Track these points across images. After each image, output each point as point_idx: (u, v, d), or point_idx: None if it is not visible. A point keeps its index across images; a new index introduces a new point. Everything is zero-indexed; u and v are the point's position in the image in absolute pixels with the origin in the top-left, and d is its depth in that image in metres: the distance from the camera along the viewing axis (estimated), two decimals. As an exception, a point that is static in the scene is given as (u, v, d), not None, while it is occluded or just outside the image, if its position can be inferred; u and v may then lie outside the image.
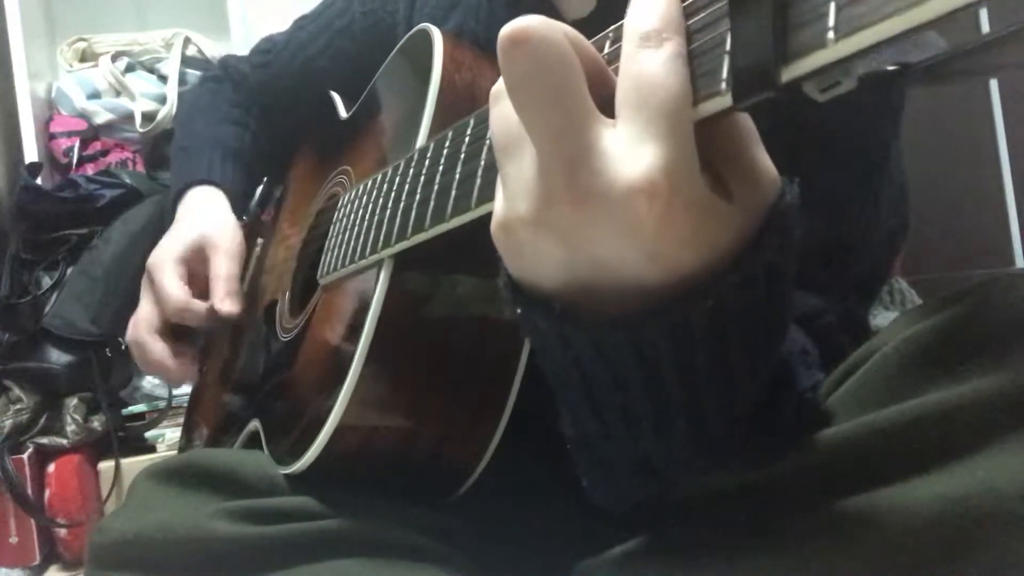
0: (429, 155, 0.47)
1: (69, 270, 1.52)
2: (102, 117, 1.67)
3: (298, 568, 0.48)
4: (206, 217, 0.77)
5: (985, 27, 0.24)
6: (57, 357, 1.47)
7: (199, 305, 0.71)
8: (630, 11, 0.30)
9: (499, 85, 0.32)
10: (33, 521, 1.42)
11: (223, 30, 1.80)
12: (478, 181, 0.39)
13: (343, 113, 0.76)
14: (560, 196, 0.28)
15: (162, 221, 1.50)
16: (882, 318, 0.84)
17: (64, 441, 1.44)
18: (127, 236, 1.52)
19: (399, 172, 0.51)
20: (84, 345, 1.48)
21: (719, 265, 0.30)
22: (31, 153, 1.60)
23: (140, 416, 1.53)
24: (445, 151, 0.45)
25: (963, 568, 0.30)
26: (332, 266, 0.59)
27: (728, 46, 0.26)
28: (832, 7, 0.23)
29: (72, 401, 1.47)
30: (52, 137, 1.67)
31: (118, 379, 1.53)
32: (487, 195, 0.38)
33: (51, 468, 1.44)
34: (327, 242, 0.62)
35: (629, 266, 0.29)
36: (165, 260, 0.73)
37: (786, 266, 0.32)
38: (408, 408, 0.53)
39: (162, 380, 0.76)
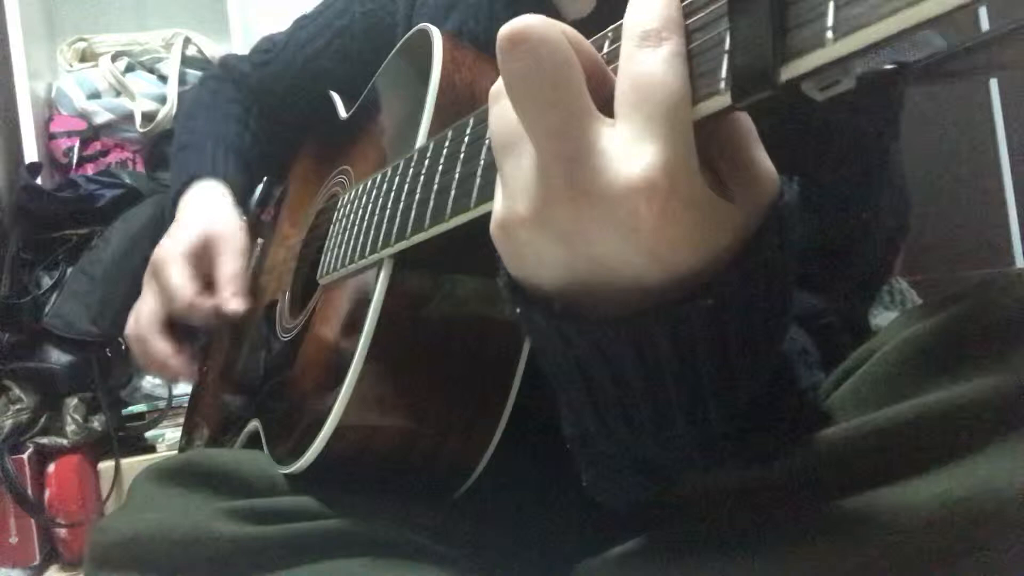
0: (429, 155, 0.47)
1: (69, 270, 1.52)
2: (102, 117, 1.67)
3: (298, 568, 0.48)
4: (211, 213, 0.76)
5: (985, 26, 0.24)
6: (57, 357, 1.47)
7: (207, 302, 0.70)
8: (629, 10, 0.30)
9: (498, 85, 0.32)
10: (33, 521, 1.43)
11: (223, 30, 1.80)
12: (478, 181, 0.39)
13: (343, 113, 0.76)
14: (559, 195, 0.28)
15: (162, 221, 1.50)
16: (882, 318, 0.84)
17: (64, 441, 1.44)
18: (127, 236, 1.52)
19: (399, 172, 0.51)
20: (84, 345, 1.48)
21: (719, 264, 0.30)
22: (31, 153, 1.60)
23: (140, 416, 1.53)
24: (445, 151, 0.45)
25: (963, 568, 0.30)
26: (332, 266, 0.59)
27: (727, 45, 0.26)
28: (831, 6, 0.23)
29: (72, 401, 1.47)
30: (52, 137, 1.67)
31: (118, 379, 1.53)
32: (487, 195, 0.38)
33: (51, 468, 1.44)
34: (327, 242, 0.62)
35: (629, 265, 0.29)
36: (173, 254, 0.72)
37: (786, 265, 0.32)
38: (408, 408, 0.53)
39: (162, 377, 0.74)
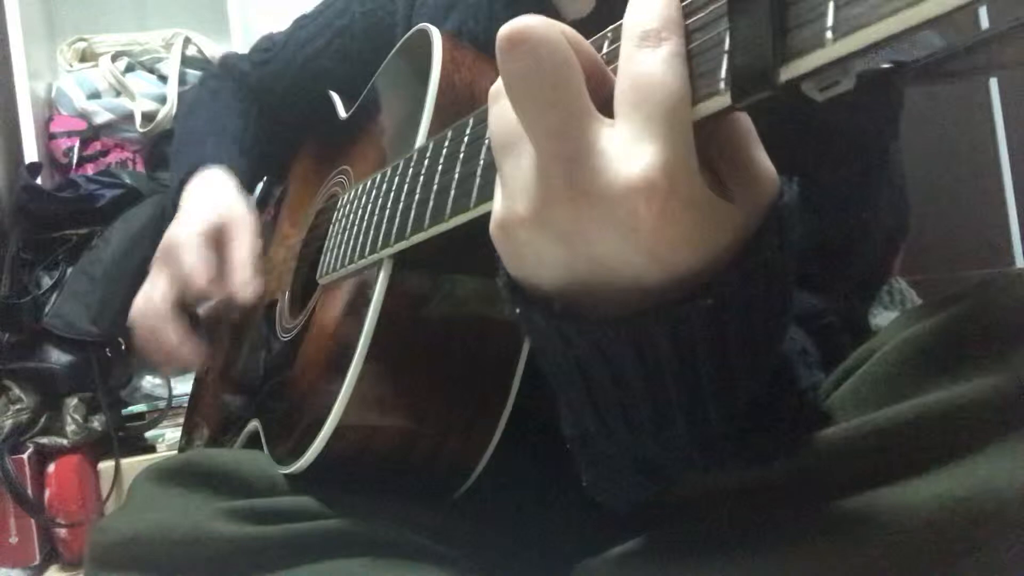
0: (428, 155, 0.47)
1: (69, 270, 1.52)
2: (102, 117, 1.67)
3: (298, 568, 0.48)
4: (219, 198, 0.73)
5: (985, 26, 0.24)
6: (57, 357, 1.47)
7: (222, 287, 0.67)
8: (629, 11, 0.30)
9: (498, 85, 0.32)
10: (33, 521, 1.43)
11: (223, 30, 1.80)
12: (477, 181, 0.39)
13: (342, 113, 0.76)
14: (559, 195, 0.28)
15: (162, 221, 1.50)
16: (882, 318, 0.84)
17: (64, 441, 1.44)
18: (127, 236, 1.52)
19: (398, 172, 0.51)
20: (84, 345, 1.48)
21: (718, 264, 0.30)
22: (31, 153, 1.60)
23: (140, 416, 1.53)
24: (444, 151, 0.45)
25: (963, 568, 0.30)
26: (332, 266, 0.59)
27: (727, 45, 0.26)
28: (831, 7, 0.23)
29: (72, 401, 1.47)
30: (52, 137, 1.67)
31: (118, 379, 1.53)
32: (486, 195, 0.38)
33: (51, 468, 1.44)
34: (327, 242, 0.62)
35: (628, 265, 0.29)
36: (188, 236, 0.69)
37: (785, 265, 0.32)
38: (408, 408, 0.53)
39: (169, 366, 0.68)
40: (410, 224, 0.47)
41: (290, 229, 0.78)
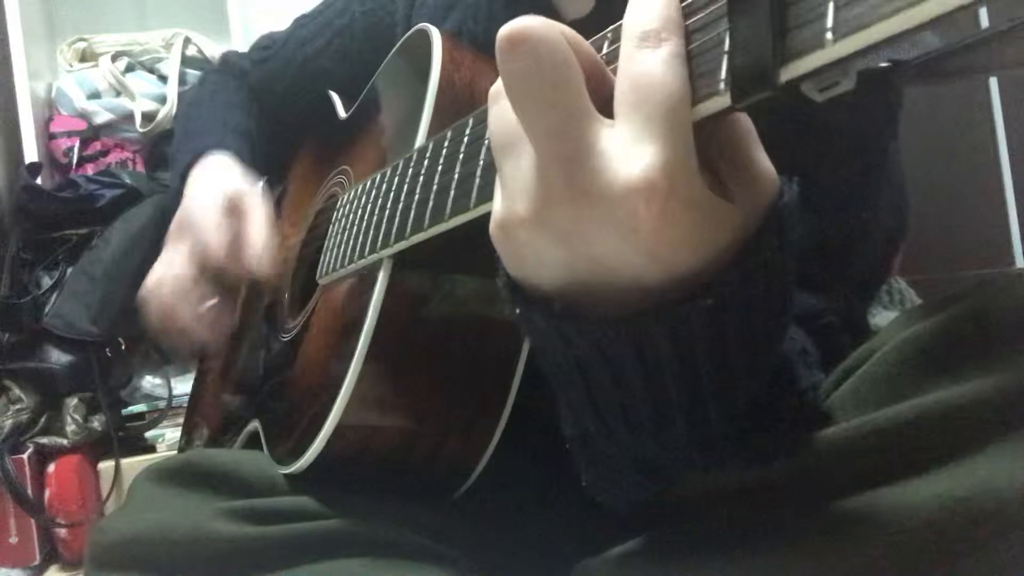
0: (428, 155, 0.47)
1: (69, 270, 1.52)
2: (102, 117, 1.67)
3: (298, 568, 0.48)
4: (229, 177, 0.71)
5: (985, 25, 0.24)
6: (57, 357, 1.47)
7: (240, 261, 0.65)
8: (628, 11, 0.30)
9: (498, 85, 0.32)
10: (33, 521, 1.43)
11: (223, 30, 1.80)
12: (477, 181, 0.39)
13: (342, 113, 0.76)
14: (558, 196, 0.28)
15: (163, 221, 1.50)
16: (882, 318, 0.84)
17: (64, 441, 1.44)
18: (127, 236, 1.52)
19: (398, 172, 0.51)
20: (84, 345, 1.48)
21: (718, 264, 0.30)
22: (31, 153, 1.60)
23: (140, 416, 1.53)
24: (444, 151, 0.45)
25: (963, 568, 0.30)
26: (331, 266, 0.59)
27: (727, 46, 0.26)
28: (831, 7, 0.23)
29: (72, 401, 1.47)
30: (52, 137, 1.67)
31: (118, 379, 1.53)
32: (486, 195, 0.38)
33: (51, 468, 1.44)
34: (326, 242, 0.62)
35: (628, 265, 0.29)
36: (206, 208, 0.67)
37: (785, 265, 0.32)
38: (407, 408, 0.53)
39: (183, 344, 0.65)
40: (410, 224, 0.47)
41: (290, 229, 0.78)
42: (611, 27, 0.32)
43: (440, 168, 0.45)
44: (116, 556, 0.50)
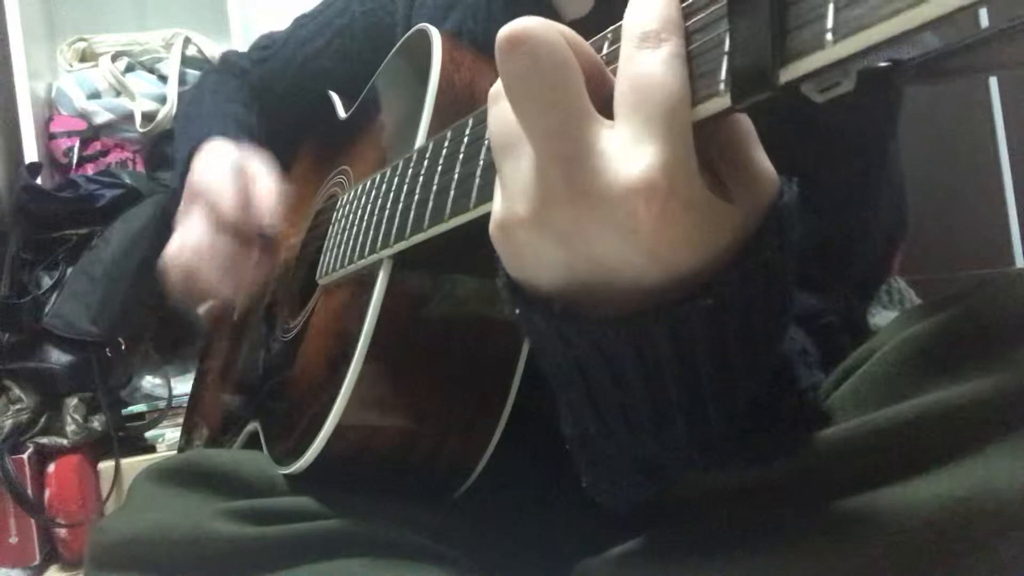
0: (428, 155, 0.47)
1: (69, 270, 1.52)
2: (102, 117, 1.67)
3: (298, 568, 0.48)
4: (233, 150, 0.72)
5: (985, 25, 0.24)
6: (57, 357, 1.47)
7: (254, 216, 0.67)
8: (629, 11, 0.30)
9: (497, 86, 0.32)
10: (33, 521, 1.42)
11: (223, 30, 1.80)
12: (477, 181, 0.39)
13: (342, 113, 0.76)
14: (558, 196, 0.28)
15: (163, 221, 1.50)
16: (881, 318, 0.84)
17: (64, 441, 1.44)
18: (127, 236, 1.52)
19: (398, 172, 0.51)
20: (84, 345, 1.48)
21: (718, 265, 0.30)
22: (31, 153, 1.60)
23: (140, 416, 1.53)
24: (444, 151, 0.45)
25: (963, 568, 0.30)
26: (331, 266, 0.59)
27: (727, 47, 0.26)
28: (831, 8, 0.23)
29: (72, 401, 1.47)
30: (52, 137, 1.67)
31: (118, 379, 1.53)
32: (486, 195, 0.38)
33: (51, 468, 1.44)
34: (326, 242, 0.62)
35: (628, 266, 0.29)
36: (216, 172, 0.68)
37: (785, 265, 0.32)
38: (407, 408, 0.53)
39: (207, 304, 0.65)
40: (410, 224, 0.47)
41: (289, 229, 0.78)
42: (611, 27, 0.32)
43: (440, 168, 0.45)
44: (116, 556, 0.50)
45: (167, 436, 1.50)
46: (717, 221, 0.29)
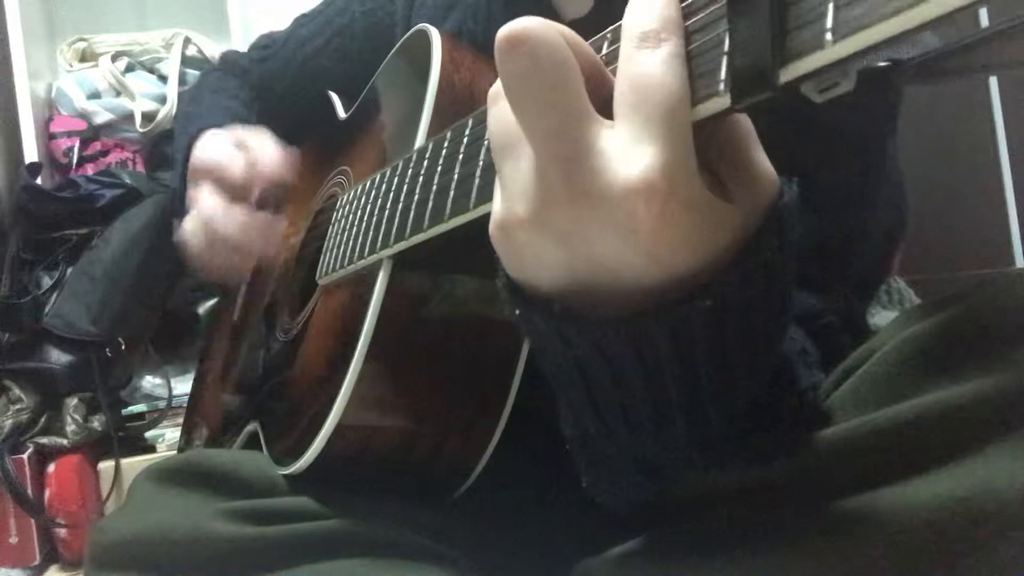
0: (427, 156, 0.47)
1: (69, 270, 1.52)
2: (102, 117, 1.67)
3: (298, 568, 0.48)
4: (233, 132, 0.74)
5: (985, 25, 0.24)
6: (57, 357, 1.47)
7: (260, 171, 0.68)
8: (628, 11, 0.30)
9: (497, 86, 0.32)
10: (33, 521, 1.42)
11: (223, 30, 1.80)
12: (476, 182, 0.39)
13: (341, 113, 0.76)
14: (558, 196, 0.28)
15: (163, 221, 1.50)
16: (880, 317, 0.84)
17: (64, 441, 1.44)
18: (127, 236, 1.52)
19: (397, 172, 0.51)
20: (84, 345, 1.47)
21: (718, 265, 0.30)
22: (31, 153, 1.60)
23: (140, 416, 1.53)
24: (443, 152, 0.45)
25: (963, 568, 0.30)
26: (331, 266, 0.59)
27: (726, 47, 0.26)
28: (830, 8, 0.23)
29: (72, 401, 1.46)
30: (52, 137, 1.67)
31: (118, 379, 1.53)
32: (486, 196, 0.38)
33: (51, 468, 1.44)
34: (326, 242, 0.62)
35: (628, 266, 0.29)
36: (215, 147, 0.70)
37: (785, 265, 0.32)
38: (407, 408, 0.53)
39: (240, 264, 0.66)
40: (409, 225, 0.47)
41: (289, 229, 0.78)
42: (611, 27, 0.32)
43: (439, 169, 0.45)
44: (116, 556, 0.50)
45: (167, 436, 1.50)
46: (717, 221, 0.29)
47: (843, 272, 0.54)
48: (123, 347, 1.50)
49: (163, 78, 1.75)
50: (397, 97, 0.63)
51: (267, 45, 0.86)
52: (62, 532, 1.44)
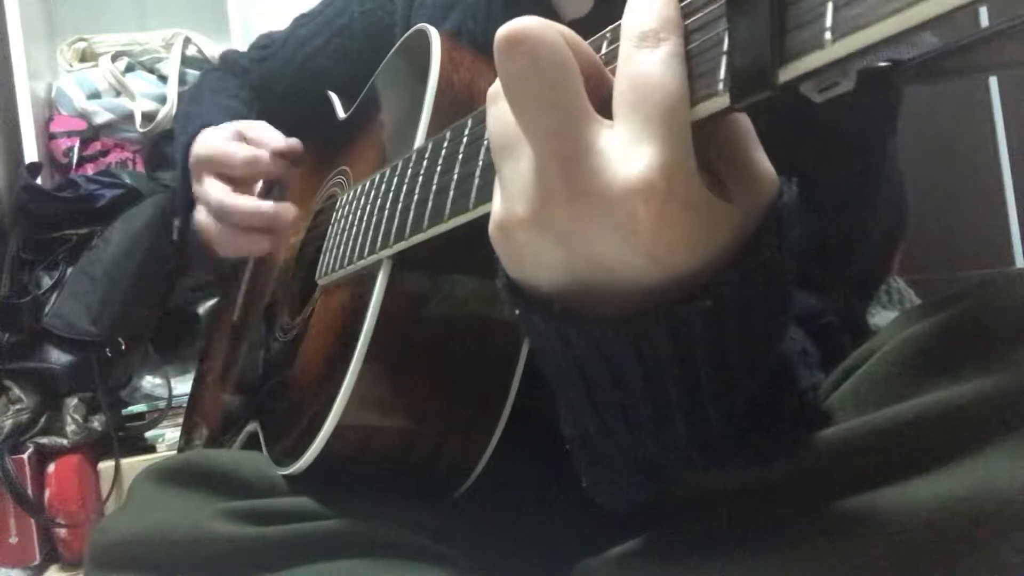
0: (427, 156, 0.47)
1: (69, 270, 1.52)
2: (102, 117, 1.67)
3: (298, 568, 0.48)
4: (231, 125, 0.75)
5: (984, 24, 0.24)
6: (57, 357, 1.47)
7: (261, 156, 0.69)
8: (627, 11, 0.30)
9: (496, 86, 0.32)
10: (33, 521, 1.42)
11: (223, 30, 1.80)
12: (476, 182, 0.39)
13: (341, 113, 0.76)
14: (557, 196, 0.28)
15: (163, 221, 1.50)
16: (881, 317, 0.84)
17: (64, 441, 1.44)
18: (127, 236, 1.52)
19: (397, 172, 0.51)
20: (84, 345, 1.47)
21: (717, 265, 0.29)
22: (31, 153, 1.60)
23: (140, 416, 1.53)
24: (443, 152, 0.45)
25: (963, 568, 0.30)
26: (330, 267, 0.59)
27: (726, 46, 0.26)
28: (830, 7, 0.23)
29: (72, 401, 1.46)
30: (52, 137, 1.67)
31: (118, 379, 1.53)
32: (485, 196, 0.38)
33: (51, 468, 1.44)
34: (325, 242, 0.62)
35: (627, 266, 0.29)
36: (216, 139, 0.72)
37: (785, 265, 0.32)
38: (407, 408, 0.53)
39: (264, 239, 0.70)
40: (409, 225, 0.47)
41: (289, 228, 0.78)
42: (610, 27, 0.32)
43: (439, 169, 0.44)
44: (116, 556, 0.50)
45: (167, 436, 1.50)
46: (716, 221, 0.29)
47: (843, 272, 0.54)
48: (123, 347, 1.50)
49: (163, 78, 1.75)
50: (396, 97, 0.63)
51: (267, 45, 0.86)
52: (62, 532, 1.44)
